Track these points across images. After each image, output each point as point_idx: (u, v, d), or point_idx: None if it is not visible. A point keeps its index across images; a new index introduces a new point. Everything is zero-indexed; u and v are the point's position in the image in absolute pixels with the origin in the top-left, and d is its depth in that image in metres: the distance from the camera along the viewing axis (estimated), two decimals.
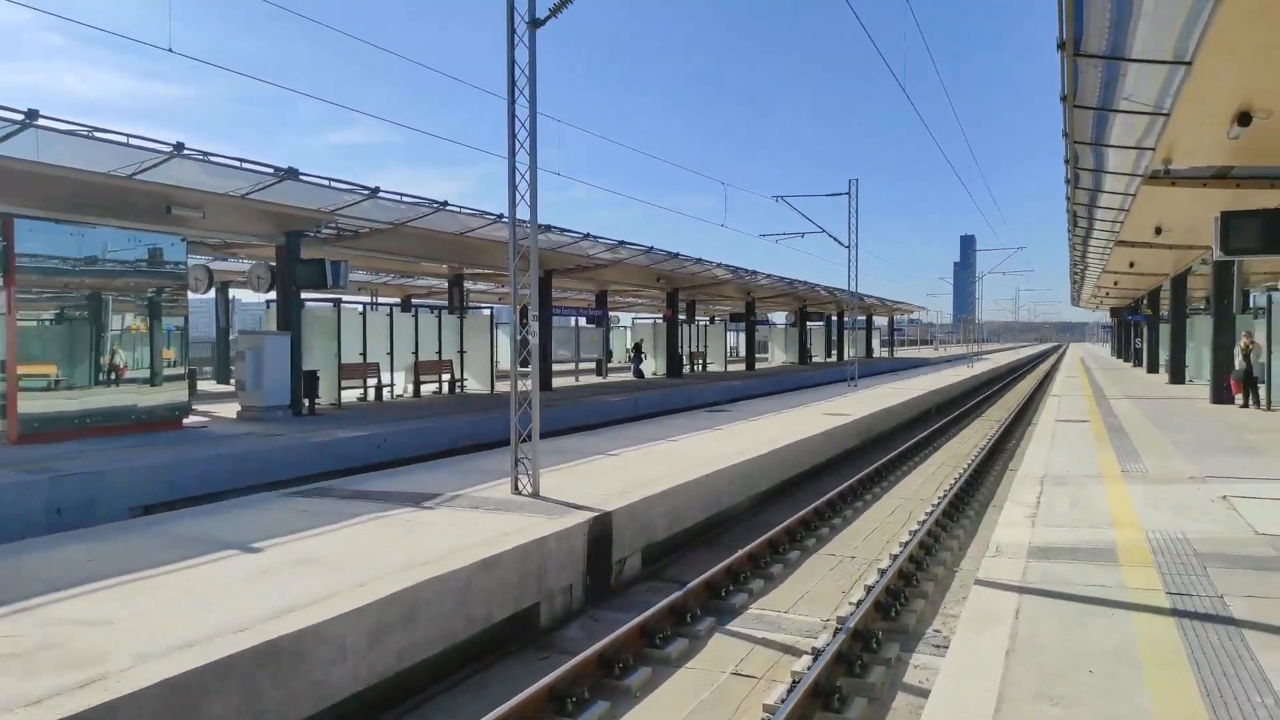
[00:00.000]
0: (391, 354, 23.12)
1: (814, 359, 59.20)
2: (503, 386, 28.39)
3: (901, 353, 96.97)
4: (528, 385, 9.30)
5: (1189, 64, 7.48)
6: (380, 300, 37.67)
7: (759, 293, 44.47)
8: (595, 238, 24.03)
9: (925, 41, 19.21)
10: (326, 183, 15.82)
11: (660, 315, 38.99)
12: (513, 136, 9.02)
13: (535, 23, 8.74)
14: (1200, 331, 28.14)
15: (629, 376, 35.56)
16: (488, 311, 27.83)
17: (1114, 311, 62.10)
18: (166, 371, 15.66)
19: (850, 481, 13.22)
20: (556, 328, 37.78)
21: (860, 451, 17.97)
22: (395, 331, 23.22)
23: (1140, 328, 42.80)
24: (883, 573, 8.47)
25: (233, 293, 32.92)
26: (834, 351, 64.87)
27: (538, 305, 9.36)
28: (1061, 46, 8.11)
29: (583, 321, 41.37)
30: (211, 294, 24.59)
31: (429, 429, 16.66)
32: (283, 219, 16.82)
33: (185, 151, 12.50)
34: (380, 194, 16.49)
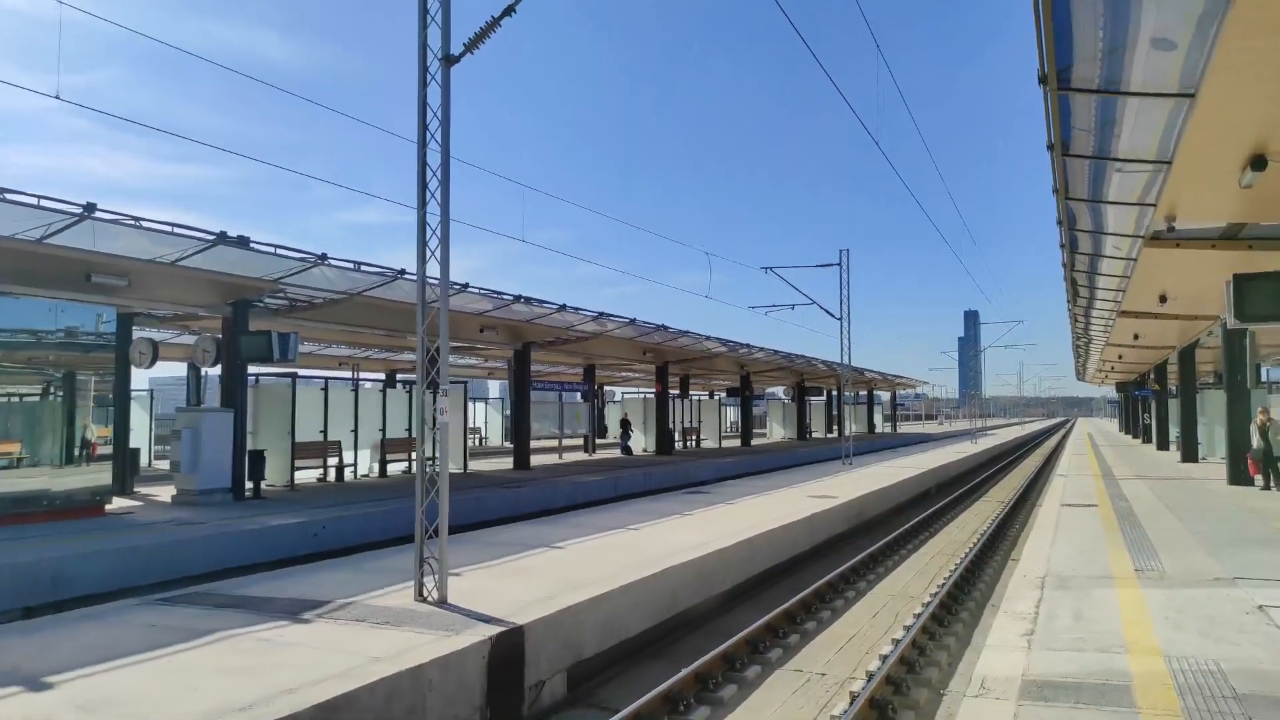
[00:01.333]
0: (356, 431, 21.86)
1: (814, 434, 57.65)
2: (478, 465, 27.01)
3: (905, 428, 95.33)
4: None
5: (1193, 95, 6.40)
6: (363, 375, 36.53)
7: (754, 367, 43.31)
8: (574, 309, 22.99)
9: (912, 115, 18.42)
10: (271, 249, 14.82)
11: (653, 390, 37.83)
12: (423, 186, 7.93)
13: (449, 59, 7.75)
14: (1212, 407, 26.77)
15: (619, 454, 34.12)
16: (463, 386, 26.56)
17: (1120, 386, 60.69)
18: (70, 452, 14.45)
19: (830, 576, 11.77)
20: (542, 402, 36.58)
21: (849, 538, 16.47)
22: (360, 408, 22.01)
23: (1148, 403, 41.37)
24: (854, 697, 7.05)
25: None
26: (835, 427, 63.35)
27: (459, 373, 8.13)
28: (1044, 80, 7.05)
29: (577, 396, 40.22)
30: (158, 369, 23.33)
31: (377, 514, 15.26)
32: (226, 288, 15.78)
33: (98, 214, 11.47)
34: (330, 261, 15.48)
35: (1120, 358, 34.73)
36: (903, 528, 16.76)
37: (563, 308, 21.98)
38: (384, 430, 22.73)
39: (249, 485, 17.03)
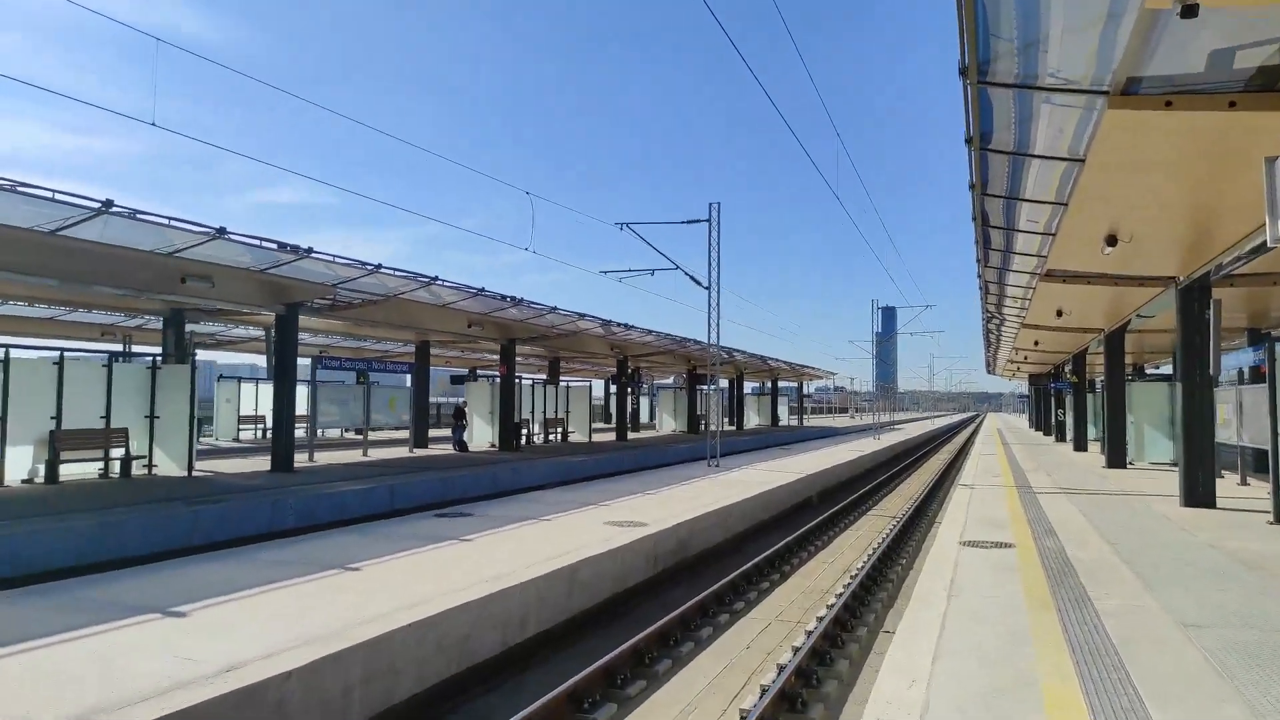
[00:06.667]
0: (4, 420, 15.49)
1: (712, 427, 52.53)
2: (232, 465, 20.81)
3: (816, 421, 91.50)
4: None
5: None
6: (92, 347, 29.48)
7: (632, 350, 37.86)
8: (344, 260, 17.04)
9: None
10: None
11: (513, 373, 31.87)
12: None
13: None
14: (1141, 402, 22.38)
15: (451, 449, 28.18)
16: (190, 361, 20.25)
17: (1033, 379, 57.49)
18: None
19: (529, 710, 6.20)
20: (393, 387, 30.27)
21: (648, 593, 11.02)
22: (13, 384, 15.62)
23: (1062, 397, 37.44)
24: None
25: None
26: (735, 418, 58.44)
27: None
28: None
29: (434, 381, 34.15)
30: None
31: None
32: None
33: None
34: None
35: (1035, 344, 30.39)
36: (739, 569, 11.41)
37: (310, 252, 15.95)
38: (59, 418, 16.38)
39: None
